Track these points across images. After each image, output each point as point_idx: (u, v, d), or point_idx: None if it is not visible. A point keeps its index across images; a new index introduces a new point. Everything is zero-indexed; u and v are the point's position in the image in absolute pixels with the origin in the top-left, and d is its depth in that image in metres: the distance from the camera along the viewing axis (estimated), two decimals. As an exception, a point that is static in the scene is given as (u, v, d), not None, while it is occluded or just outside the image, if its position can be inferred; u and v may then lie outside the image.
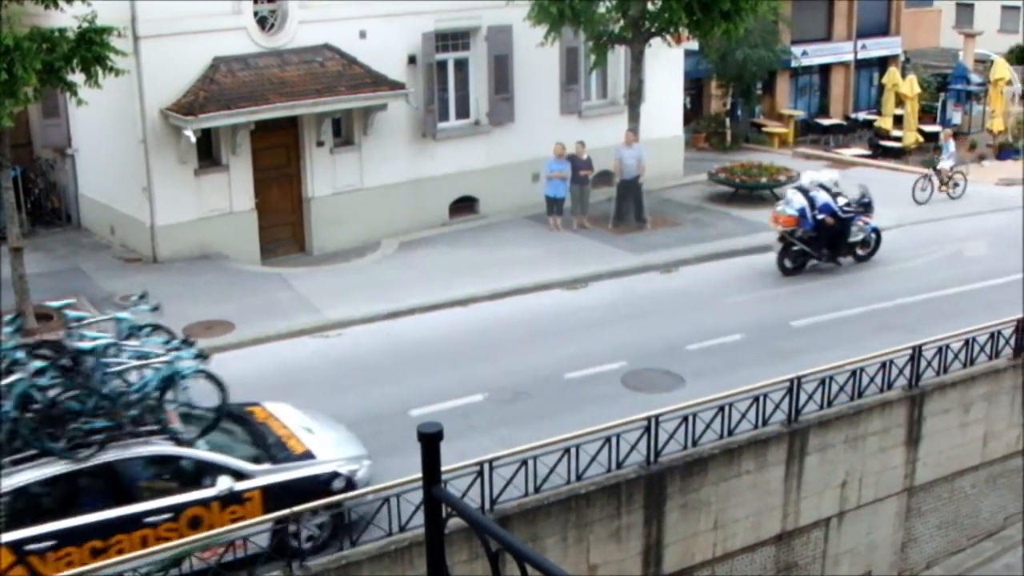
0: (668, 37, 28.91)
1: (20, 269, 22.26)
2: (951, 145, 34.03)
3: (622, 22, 28.56)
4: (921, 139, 42.99)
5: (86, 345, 14.20)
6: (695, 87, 41.55)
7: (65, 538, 13.25)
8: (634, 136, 29.02)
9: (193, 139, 25.11)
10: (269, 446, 15.16)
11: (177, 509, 13.83)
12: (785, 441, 17.86)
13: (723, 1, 26.64)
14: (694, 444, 16.99)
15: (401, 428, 16.92)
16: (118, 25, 21.73)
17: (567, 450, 15.83)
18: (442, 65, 29.46)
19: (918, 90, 43.16)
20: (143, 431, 14.08)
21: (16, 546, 13.00)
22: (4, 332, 14.46)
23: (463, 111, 30.30)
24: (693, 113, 41.06)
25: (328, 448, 15.40)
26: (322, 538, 14.55)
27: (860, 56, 47.75)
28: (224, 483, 14.02)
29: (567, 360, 20.72)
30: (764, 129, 43.00)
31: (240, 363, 21.16)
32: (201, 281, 25.02)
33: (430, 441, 5.72)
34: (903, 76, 44.29)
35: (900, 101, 43.55)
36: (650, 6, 28.07)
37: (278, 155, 27.40)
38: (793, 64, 44.83)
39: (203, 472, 14.14)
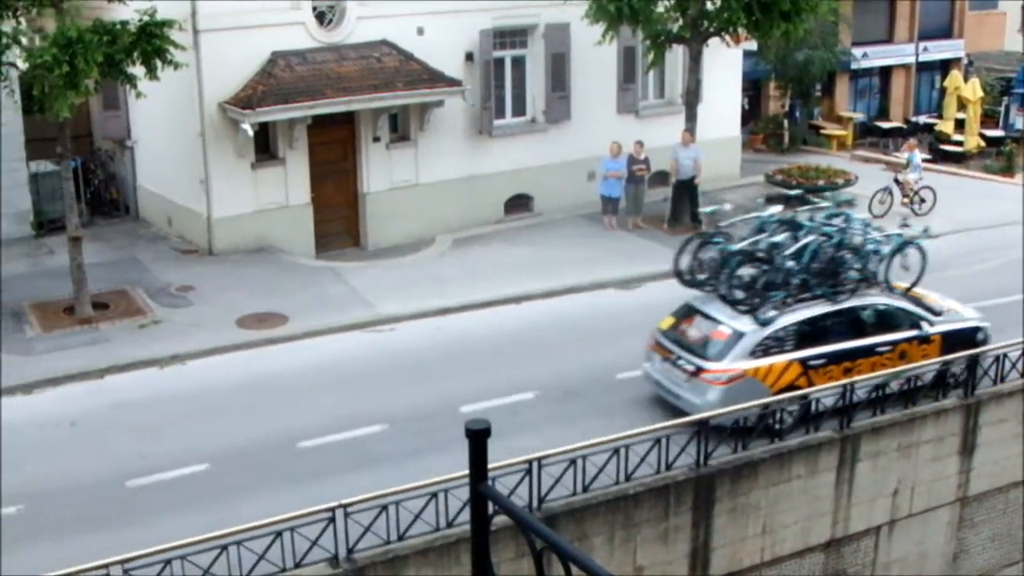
0: (727, 37, 28.74)
1: (78, 258, 22.50)
2: (916, 156, 31.74)
3: (680, 21, 28.43)
4: (983, 144, 42.53)
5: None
6: (753, 88, 41.30)
7: (829, 358, 18.40)
8: (691, 136, 28.90)
9: (251, 133, 25.25)
10: (933, 308, 19.81)
11: (894, 344, 18.96)
12: (837, 447, 17.72)
13: (783, 1, 26.47)
14: (745, 448, 16.91)
15: (451, 424, 16.96)
16: (178, 19, 21.92)
17: (616, 450, 15.80)
18: (499, 62, 29.45)
19: (980, 94, 42.72)
20: (874, 284, 19.43)
21: (803, 361, 18.22)
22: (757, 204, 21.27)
23: (519, 109, 30.29)
24: (751, 114, 40.82)
25: (969, 311, 20.46)
26: (960, 378, 19.04)
27: (922, 58, 47.25)
28: (926, 327, 19.20)
29: (619, 360, 20.63)
30: (822, 131, 42.66)
31: (292, 356, 21.33)
32: (256, 274, 25.16)
33: (478, 438, 5.70)
34: (965, 79, 43.86)
35: (962, 105, 43.13)
36: (709, 6, 27.92)
37: (334, 150, 27.50)
38: (853, 66, 44.42)
39: (906, 319, 19.26)
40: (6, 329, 22.16)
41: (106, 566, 13.01)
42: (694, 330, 18.85)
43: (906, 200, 30.59)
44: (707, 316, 18.72)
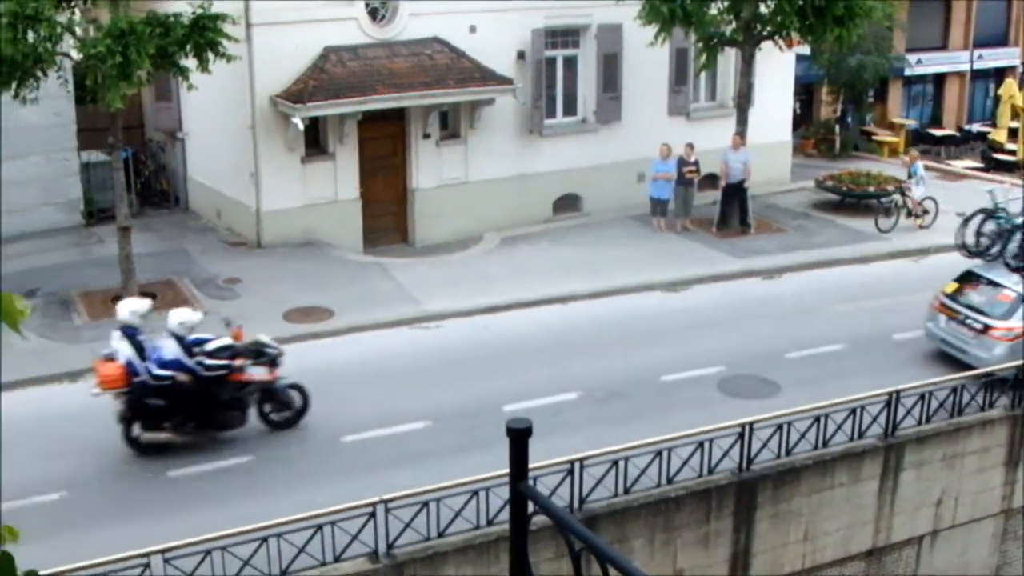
0: (779, 41, 28.58)
1: (127, 248, 22.67)
2: (919, 168, 30.32)
3: (733, 24, 28.31)
4: (1036, 153, 42.10)
5: None
6: (805, 92, 41.05)
7: None
8: (741, 140, 28.77)
9: (301, 127, 25.36)
10: None
11: None
12: (880, 455, 17.60)
13: (837, 6, 26.30)
14: (788, 453, 16.84)
15: (493, 422, 16.94)
16: (232, 12, 22.02)
17: (659, 453, 15.76)
18: (551, 62, 29.42)
19: (1035, 103, 42.28)
20: None
21: None
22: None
23: (570, 108, 30.25)
24: (802, 119, 40.58)
25: None
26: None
27: (976, 66, 46.81)
28: None
29: (664, 362, 20.60)
30: (874, 137, 42.35)
31: (337, 350, 21.39)
32: (303, 267, 25.26)
33: (519, 437, 5.68)
34: (1020, 87, 43.42)
35: (1016, 114, 42.69)
36: (762, 9, 27.78)
37: (384, 146, 27.56)
38: (907, 72, 44.10)
39: None
40: (55, 316, 22.36)
41: (147, 555, 13.11)
42: (978, 294, 20.95)
43: (913, 217, 29.47)
44: (991, 282, 20.99)
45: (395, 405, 18.85)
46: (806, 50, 34.25)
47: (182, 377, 17.23)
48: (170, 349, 17.29)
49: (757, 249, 27.52)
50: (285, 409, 18.21)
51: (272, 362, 18.06)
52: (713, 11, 27.85)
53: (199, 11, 21.07)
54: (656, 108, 30.88)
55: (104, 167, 27.01)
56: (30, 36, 20.37)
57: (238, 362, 17.76)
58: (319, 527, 13.74)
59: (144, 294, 22.88)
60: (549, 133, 29.58)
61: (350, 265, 25.82)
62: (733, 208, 29.05)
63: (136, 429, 17.40)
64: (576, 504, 15.11)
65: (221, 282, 24.40)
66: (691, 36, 28.90)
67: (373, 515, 13.95)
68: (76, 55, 21.76)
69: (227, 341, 17.83)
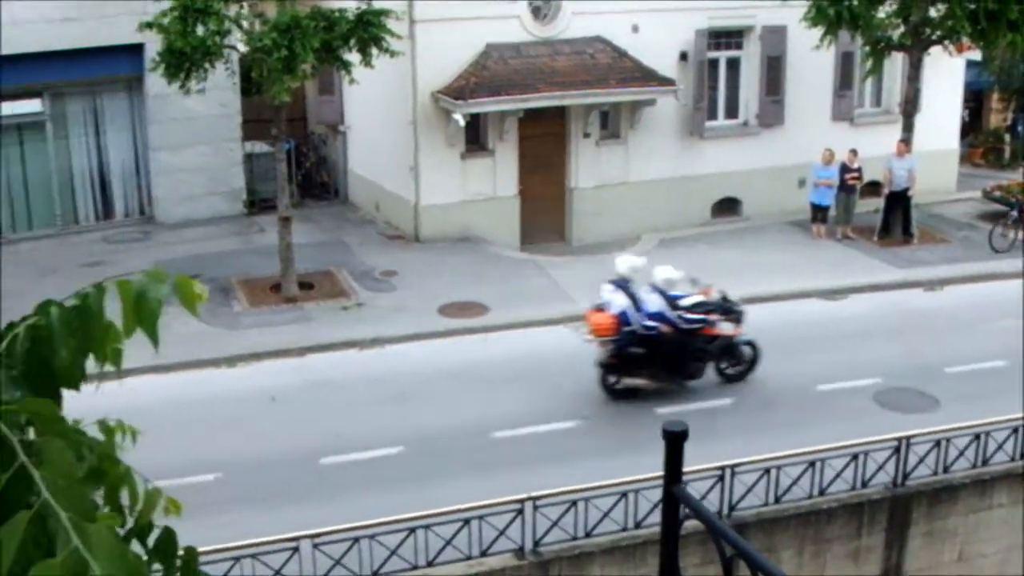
0: (949, 46, 27.89)
1: (287, 238, 23.06)
2: None
3: (902, 28, 27.67)
4: None
5: None
6: (975, 99, 39.98)
7: None
8: (906, 147, 28.13)
9: (462, 123, 25.52)
10: None
11: None
12: (1044, 476, 17.07)
13: (1010, 10, 25.53)
14: (945, 470, 16.41)
15: (644, 425, 16.88)
16: (396, 8, 22.27)
17: (812, 463, 15.50)
18: (713, 63, 29.16)
19: None
20: None
21: None
22: None
23: (732, 111, 29.94)
24: (971, 127, 39.55)
25: None
26: None
27: None
28: None
29: (820, 371, 20.25)
30: (1046, 148, 41.18)
31: (491, 346, 21.48)
32: (460, 262, 25.42)
33: (674, 440, 5.61)
34: None
35: None
36: (932, 12, 27.14)
37: (544, 144, 27.59)
38: (1084, 81, 42.78)
39: None
40: (215, 302, 22.83)
41: (296, 539, 13.29)
42: None
43: None
44: None
45: (547, 403, 18.85)
46: (977, 55, 33.38)
47: (665, 328, 18.93)
48: (655, 302, 19.05)
49: (919, 260, 26.91)
50: (739, 364, 19.82)
51: (737, 319, 19.72)
52: (881, 14, 27.30)
53: (364, 7, 21.35)
54: (819, 112, 30.37)
55: (267, 158, 27.55)
56: (199, 29, 20.88)
57: (712, 317, 19.43)
58: (466, 521, 13.80)
59: (302, 284, 23.29)
60: (710, 135, 29.32)
61: (506, 262, 25.91)
62: (896, 217, 28.44)
63: (612, 376, 19.18)
64: (725, 511, 14.94)
65: (378, 274, 24.68)
66: (858, 39, 28.38)
67: (521, 512, 13.96)
68: (243, 48, 22.21)
69: (701, 298, 19.69)
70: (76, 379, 2.59)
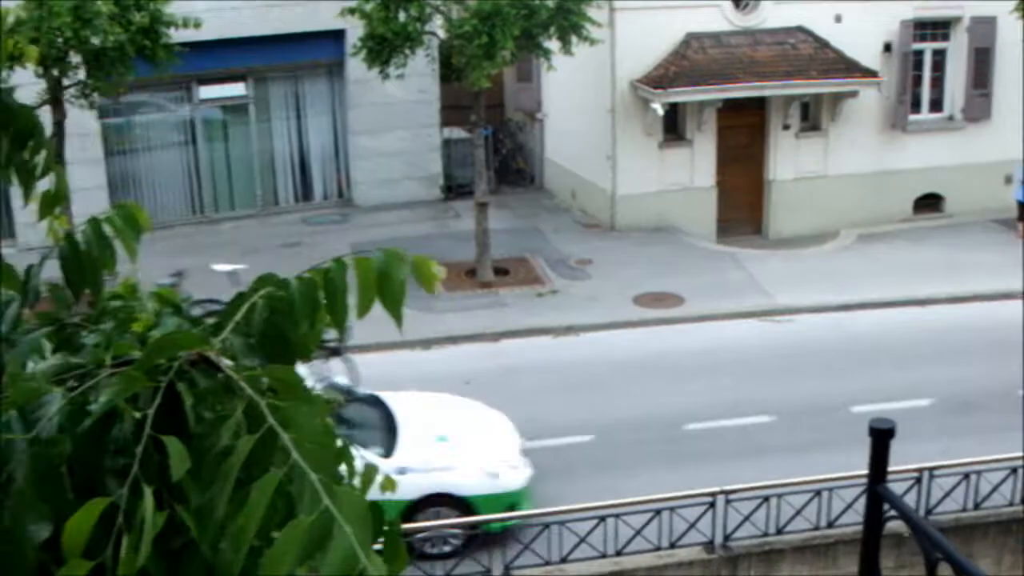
0: None
1: (484, 223, 23.29)
2: None
3: (1123, 21, 26.64)
4: None
5: None
6: None
7: None
8: (1123, 145, 27.09)
9: (660, 112, 25.42)
10: None
11: None
12: None
13: None
14: None
15: (840, 423, 16.64)
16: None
17: (1014, 470, 15.01)
18: (918, 55, 28.44)
19: None
20: None
21: None
22: None
23: (936, 104, 29.17)
24: None
25: None
26: None
27: None
28: None
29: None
30: None
31: (686, 337, 21.39)
32: (655, 252, 25.34)
33: (881, 437, 5.53)
34: None
35: None
36: None
37: (742, 135, 27.32)
38: None
39: None
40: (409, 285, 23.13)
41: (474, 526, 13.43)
42: None
43: None
44: None
45: (741, 397, 18.68)
46: None
47: None
48: None
49: None
50: None
51: None
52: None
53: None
54: (1030, 107, 29.44)
55: (464, 144, 27.89)
56: (401, 15, 21.24)
57: None
58: (657, 512, 13.76)
59: (497, 270, 23.52)
60: (913, 129, 28.62)
61: (702, 253, 25.74)
62: (1109, 217, 27.42)
63: None
64: (922, 514, 14.60)
65: (573, 263, 24.76)
66: (1074, 32, 27.39)
67: (712, 505, 13.87)
68: (443, 34, 22.49)
69: None
70: (309, 350, 2.66)
